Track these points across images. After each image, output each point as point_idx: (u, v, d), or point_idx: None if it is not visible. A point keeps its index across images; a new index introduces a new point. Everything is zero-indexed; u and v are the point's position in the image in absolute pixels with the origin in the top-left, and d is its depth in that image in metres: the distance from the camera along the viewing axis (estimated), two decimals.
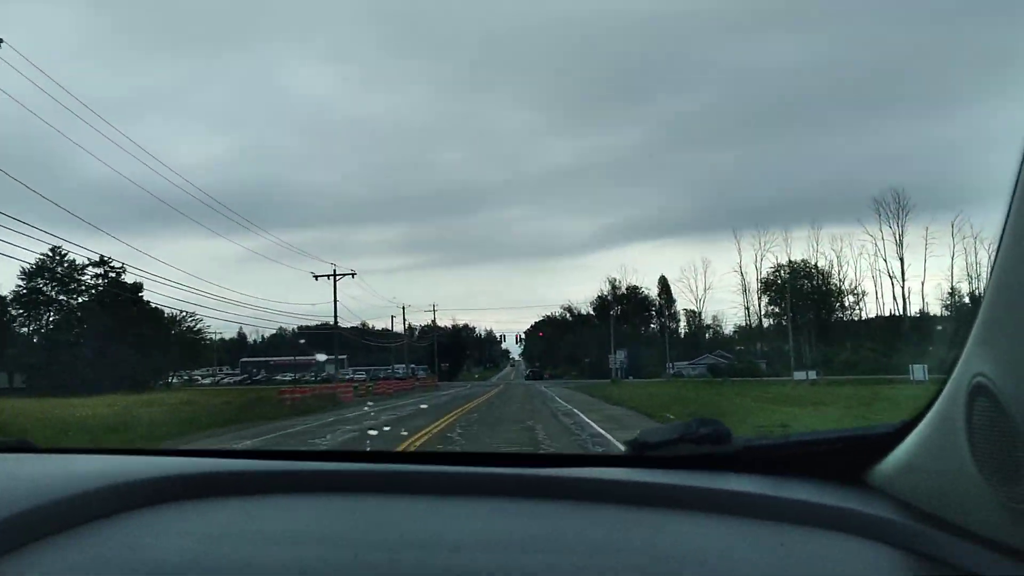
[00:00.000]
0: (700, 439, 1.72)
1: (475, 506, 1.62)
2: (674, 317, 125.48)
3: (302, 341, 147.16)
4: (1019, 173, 1.01)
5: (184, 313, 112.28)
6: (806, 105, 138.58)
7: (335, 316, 56.36)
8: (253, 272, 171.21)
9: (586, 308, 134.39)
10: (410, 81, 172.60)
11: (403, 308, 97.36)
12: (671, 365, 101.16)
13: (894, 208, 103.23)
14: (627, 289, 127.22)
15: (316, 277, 56.70)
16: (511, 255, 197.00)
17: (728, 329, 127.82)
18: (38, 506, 1.43)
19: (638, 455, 1.82)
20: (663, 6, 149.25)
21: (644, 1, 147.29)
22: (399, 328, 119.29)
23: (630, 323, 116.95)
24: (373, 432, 19.91)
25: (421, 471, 1.78)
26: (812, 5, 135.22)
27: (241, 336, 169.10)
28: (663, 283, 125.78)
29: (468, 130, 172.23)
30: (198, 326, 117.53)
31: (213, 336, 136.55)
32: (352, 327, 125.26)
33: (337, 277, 56.55)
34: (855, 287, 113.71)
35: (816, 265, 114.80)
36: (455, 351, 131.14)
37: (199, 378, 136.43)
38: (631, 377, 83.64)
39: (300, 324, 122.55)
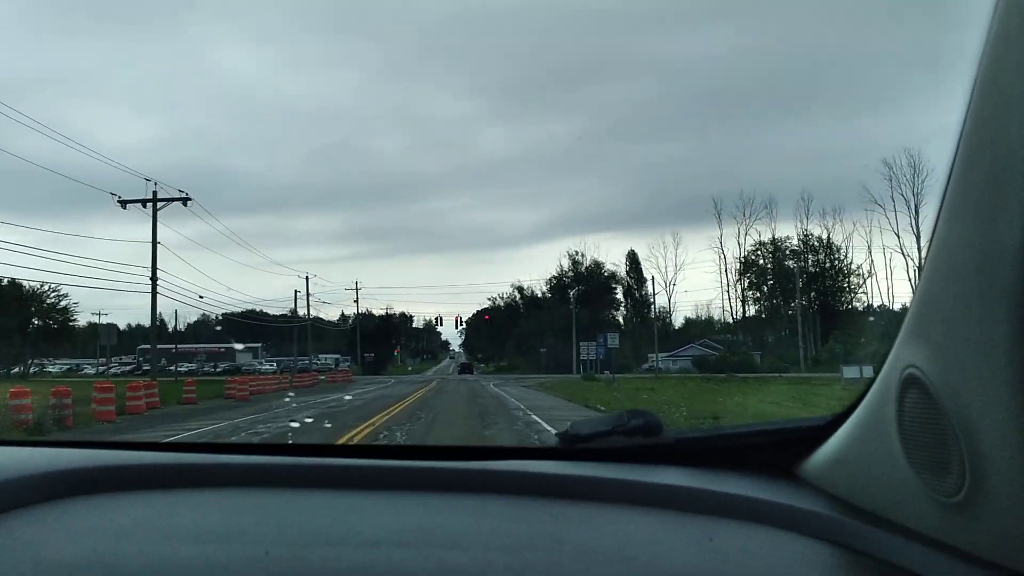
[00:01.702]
0: (632, 431, 1.68)
1: (396, 501, 1.56)
2: (646, 300, 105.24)
3: (218, 328, 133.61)
4: (951, 168, 0.99)
5: (46, 287, 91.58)
6: (757, 94, 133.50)
7: (153, 264, 34.80)
8: (188, 259, 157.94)
9: (540, 289, 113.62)
10: (345, 66, 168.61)
11: (306, 279, 74.91)
12: (655, 358, 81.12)
13: (909, 172, 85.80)
14: (589, 266, 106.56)
15: (124, 204, 35.15)
16: (453, 246, 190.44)
17: (678, 318, 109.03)
18: None
19: (569, 448, 1.78)
20: None
21: None
22: (343, 313, 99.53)
23: (592, 306, 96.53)
24: (295, 424, 16.65)
25: (340, 464, 1.73)
26: None
27: (161, 322, 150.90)
28: (632, 259, 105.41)
29: (405, 117, 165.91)
30: (63, 303, 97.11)
31: (96, 317, 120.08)
32: (281, 315, 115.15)
33: (159, 203, 35.03)
34: (857, 267, 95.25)
35: (819, 239, 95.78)
36: (383, 340, 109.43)
37: (88, 367, 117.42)
38: (607, 372, 63.47)
39: (224, 311, 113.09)
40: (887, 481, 1.18)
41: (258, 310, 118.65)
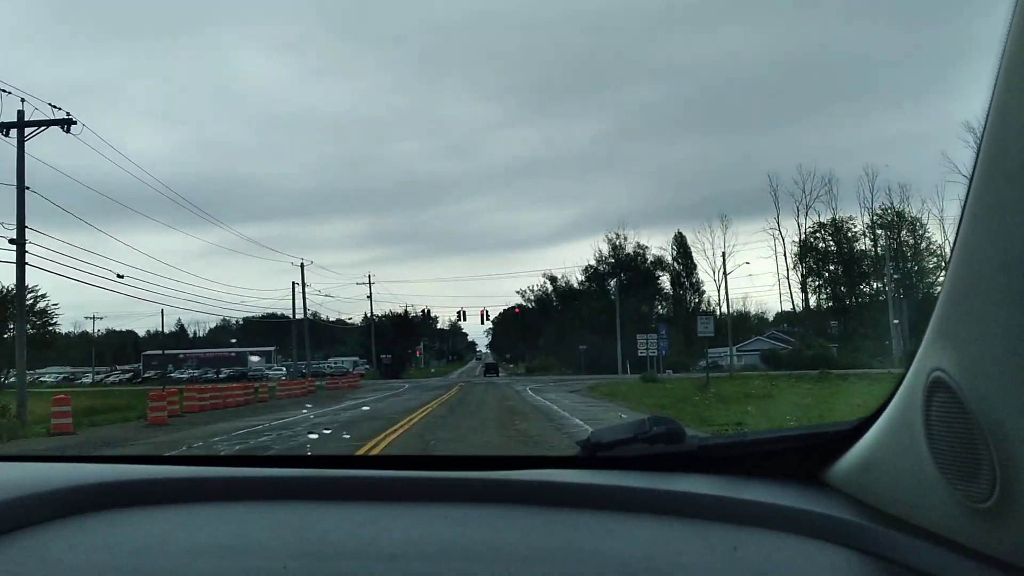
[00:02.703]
0: (654, 438, 1.67)
1: (416, 512, 1.57)
2: (698, 287, 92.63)
3: (233, 340, 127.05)
4: (975, 165, 0.98)
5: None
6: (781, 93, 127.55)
7: (20, 213, 23.35)
8: (215, 267, 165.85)
9: (576, 279, 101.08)
10: (363, 72, 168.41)
11: (301, 266, 63.50)
12: (728, 353, 68.78)
13: None
14: (633, 251, 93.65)
15: None
16: (478, 247, 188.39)
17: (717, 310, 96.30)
18: None
19: (590, 456, 1.78)
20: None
21: None
22: (348, 312, 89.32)
23: (637, 297, 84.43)
24: (313, 435, 15.20)
25: (358, 476, 1.74)
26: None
27: (180, 328, 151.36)
28: (680, 243, 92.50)
29: (424, 121, 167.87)
30: (40, 305, 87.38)
31: (90, 323, 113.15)
32: (300, 318, 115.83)
33: (28, 128, 23.44)
34: (938, 247, 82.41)
35: (897, 212, 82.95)
36: (402, 340, 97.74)
37: (88, 376, 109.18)
38: (670, 372, 51.67)
39: (246, 315, 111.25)
40: (915, 487, 1.16)
41: (279, 313, 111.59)
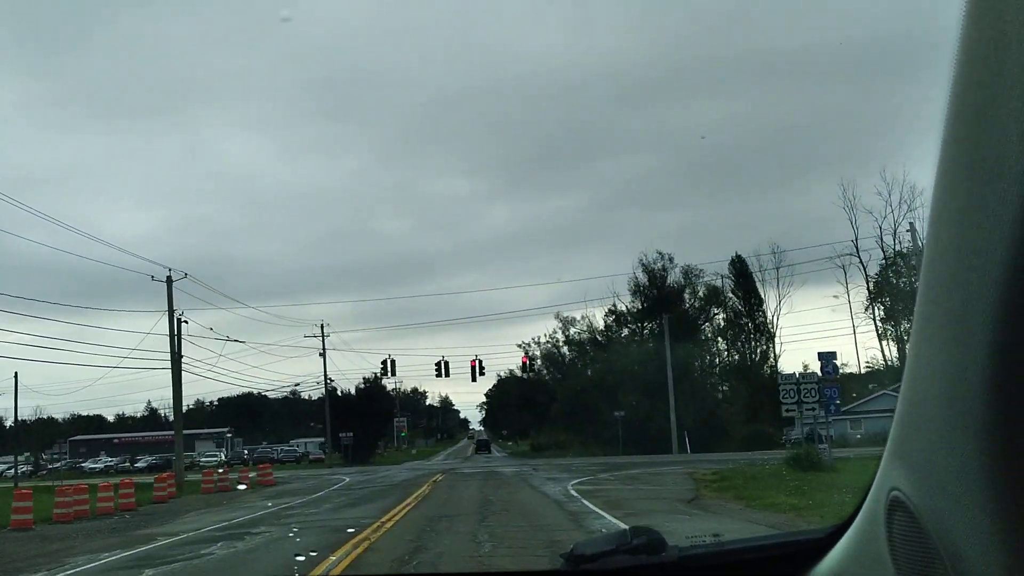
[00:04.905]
0: (635, 549, 1.71)
1: None
2: (766, 329, 68.78)
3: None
4: (921, 285, 1.01)
5: None
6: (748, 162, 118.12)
7: None
8: (200, 346, 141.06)
9: (600, 320, 75.35)
10: (347, 150, 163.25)
11: (168, 279, 39.84)
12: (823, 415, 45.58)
13: None
14: (682, 277, 69.04)
15: None
16: (466, 322, 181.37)
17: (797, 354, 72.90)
18: None
19: (574, 569, 1.80)
20: (594, 74, 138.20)
21: (575, 67, 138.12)
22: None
23: (685, 343, 61.13)
24: (300, 558, 14.97)
25: None
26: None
27: (151, 412, 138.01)
28: (738, 268, 69.01)
29: (409, 198, 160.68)
30: None
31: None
32: (283, 398, 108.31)
33: None
34: None
35: None
36: (369, 417, 73.08)
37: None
38: (823, 447, 28.80)
39: (221, 396, 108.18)
40: None
41: (255, 392, 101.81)
